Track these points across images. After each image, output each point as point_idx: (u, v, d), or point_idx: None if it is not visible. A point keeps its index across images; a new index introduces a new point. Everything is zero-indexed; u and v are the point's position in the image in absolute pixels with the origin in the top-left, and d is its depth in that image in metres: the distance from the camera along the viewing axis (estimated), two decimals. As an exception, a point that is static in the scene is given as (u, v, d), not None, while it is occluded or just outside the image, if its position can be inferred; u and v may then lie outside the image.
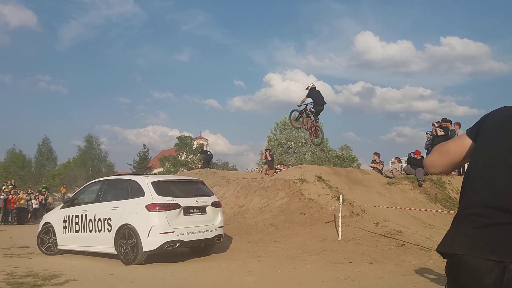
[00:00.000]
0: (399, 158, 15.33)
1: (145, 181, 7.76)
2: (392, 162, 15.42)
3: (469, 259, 1.45)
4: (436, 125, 13.42)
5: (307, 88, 13.14)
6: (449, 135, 13.04)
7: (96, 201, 8.34)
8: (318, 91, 13.06)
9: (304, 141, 54.24)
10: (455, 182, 12.49)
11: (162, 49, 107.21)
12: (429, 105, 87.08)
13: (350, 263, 7.00)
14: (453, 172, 13.04)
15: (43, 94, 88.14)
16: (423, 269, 6.36)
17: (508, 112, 1.60)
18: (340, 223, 8.97)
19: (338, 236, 8.81)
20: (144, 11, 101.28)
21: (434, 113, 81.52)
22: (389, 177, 13.57)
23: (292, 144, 53.65)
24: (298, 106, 13.40)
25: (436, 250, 1.61)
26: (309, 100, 13.05)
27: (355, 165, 44.26)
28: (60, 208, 9.14)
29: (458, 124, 13.48)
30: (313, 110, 13.00)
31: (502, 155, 1.50)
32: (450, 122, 13.72)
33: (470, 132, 1.67)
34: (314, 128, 13.50)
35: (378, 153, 15.12)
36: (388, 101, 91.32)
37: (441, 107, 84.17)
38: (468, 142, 1.66)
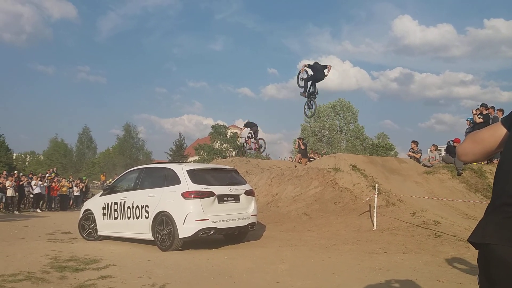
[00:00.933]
0: (436, 145, 14.83)
1: (180, 170, 7.92)
2: (430, 150, 14.95)
3: (499, 249, 1.42)
4: (475, 112, 12.89)
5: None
6: (490, 122, 12.50)
7: (134, 188, 8.59)
8: (318, 64, 13.21)
9: (339, 129, 53.54)
10: None
11: (197, 38, 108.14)
12: (471, 91, 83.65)
13: (385, 253, 6.90)
14: (495, 161, 12.54)
15: (83, 85, 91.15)
16: (461, 261, 6.19)
17: None
18: (375, 213, 8.84)
19: (373, 226, 8.69)
20: (179, 1, 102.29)
21: (476, 99, 78.34)
22: (427, 166, 13.21)
23: (327, 132, 53.02)
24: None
25: (468, 240, 1.58)
26: (310, 71, 13.21)
27: (392, 153, 43.27)
28: (100, 196, 9.48)
29: (501, 111, 12.82)
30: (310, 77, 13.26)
31: None
32: (493, 108, 13.12)
33: (505, 121, 1.62)
34: (313, 95, 13.55)
35: (416, 141, 14.73)
36: (428, 87, 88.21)
37: (483, 93, 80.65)
38: (503, 131, 1.61)
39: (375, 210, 8.89)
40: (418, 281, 5.09)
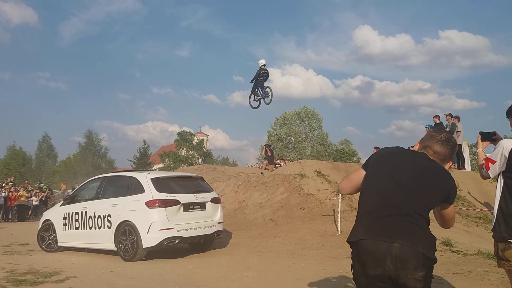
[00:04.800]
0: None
1: (144, 178, 7.77)
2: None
3: (366, 242, 2.14)
4: (436, 120, 13.47)
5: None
6: (450, 128, 13.05)
7: (96, 198, 8.36)
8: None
9: (304, 136, 54.27)
10: (456, 176, 12.50)
11: (163, 44, 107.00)
12: (429, 99, 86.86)
13: (349, 257, 7.00)
14: (452, 166, 13.09)
15: (43, 91, 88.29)
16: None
17: (385, 149, 2.46)
18: (339, 217, 8.99)
19: (338, 230, 8.83)
20: (144, 7, 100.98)
21: (433, 106, 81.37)
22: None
23: (292, 138, 53.70)
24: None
25: (346, 241, 2.30)
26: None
27: (355, 159, 44.24)
28: (60, 205, 9.16)
29: (458, 118, 13.46)
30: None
31: (387, 173, 2.26)
32: (450, 115, 13.71)
33: (363, 166, 2.44)
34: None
35: (378, 147, 15.14)
36: (388, 95, 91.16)
37: (440, 100, 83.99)
38: (363, 172, 2.41)
39: (339, 215, 9.04)
40: None
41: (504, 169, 3.09)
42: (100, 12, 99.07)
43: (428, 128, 14.08)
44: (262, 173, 15.63)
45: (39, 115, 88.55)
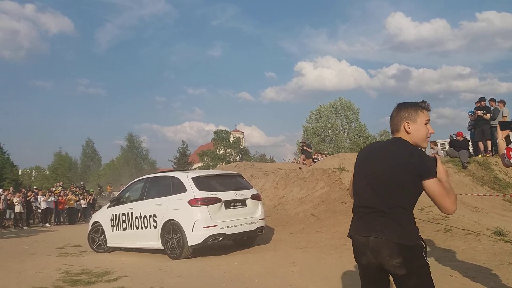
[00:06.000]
0: (435, 141, 14.85)
1: (186, 177, 7.94)
2: (431, 148, 14.91)
3: (355, 237, 2.47)
4: (480, 113, 12.77)
5: None
6: (492, 113, 12.45)
7: (140, 198, 8.61)
8: None
9: (341, 129, 53.45)
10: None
11: (195, 45, 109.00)
12: (469, 84, 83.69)
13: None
14: (486, 155, 12.59)
15: (83, 97, 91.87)
16: (472, 254, 6.16)
17: (364, 148, 2.70)
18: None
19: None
20: (175, 8, 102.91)
21: (475, 91, 78.34)
22: (431, 162, 13.15)
23: (329, 132, 52.97)
24: None
25: (347, 236, 2.56)
26: None
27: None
28: (107, 207, 9.50)
29: (503, 102, 12.76)
30: None
31: (363, 173, 2.50)
32: (493, 100, 13.05)
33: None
34: None
35: (434, 141, 14.68)
36: (426, 82, 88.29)
37: (482, 85, 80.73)
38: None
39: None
40: (433, 277, 5.07)
41: None
42: (132, 16, 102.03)
43: (470, 114, 13.51)
44: (300, 168, 15.55)
45: (81, 120, 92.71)
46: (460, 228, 7.54)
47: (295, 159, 31.01)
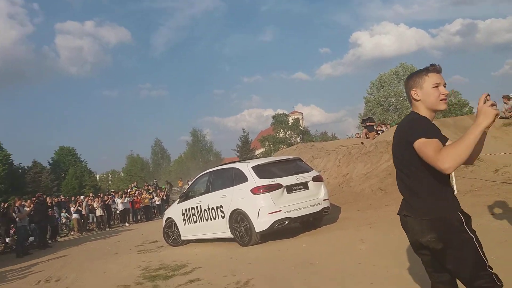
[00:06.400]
0: (508, 96, 13.68)
1: (246, 167, 8.09)
2: (504, 103, 13.79)
3: (400, 217, 2.44)
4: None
5: None
6: None
7: (206, 191, 8.93)
8: None
9: (405, 95, 51.02)
10: None
11: (246, 33, 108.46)
12: (546, 28, 75.22)
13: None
14: None
15: (147, 100, 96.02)
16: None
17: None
18: (453, 176, 8.38)
19: (454, 190, 8.24)
20: (222, 2, 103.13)
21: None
22: (503, 118, 12.23)
23: (393, 100, 50.87)
24: None
25: (397, 213, 2.49)
26: None
27: (467, 109, 40.54)
28: (177, 203, 9.96)
29: None
30: None
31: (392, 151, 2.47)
32: None
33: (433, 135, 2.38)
34: None
35: (509, 96, 13.63)
36: (495, 33, 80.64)
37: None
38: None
39: (453, 173, 8.42)
40: (509, 243, 4.78)
41: None
42: (184, 17, 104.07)
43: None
44: (362, 143, 15.17)
45: (148, 122, 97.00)
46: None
47: (358, 133, 30.27)
